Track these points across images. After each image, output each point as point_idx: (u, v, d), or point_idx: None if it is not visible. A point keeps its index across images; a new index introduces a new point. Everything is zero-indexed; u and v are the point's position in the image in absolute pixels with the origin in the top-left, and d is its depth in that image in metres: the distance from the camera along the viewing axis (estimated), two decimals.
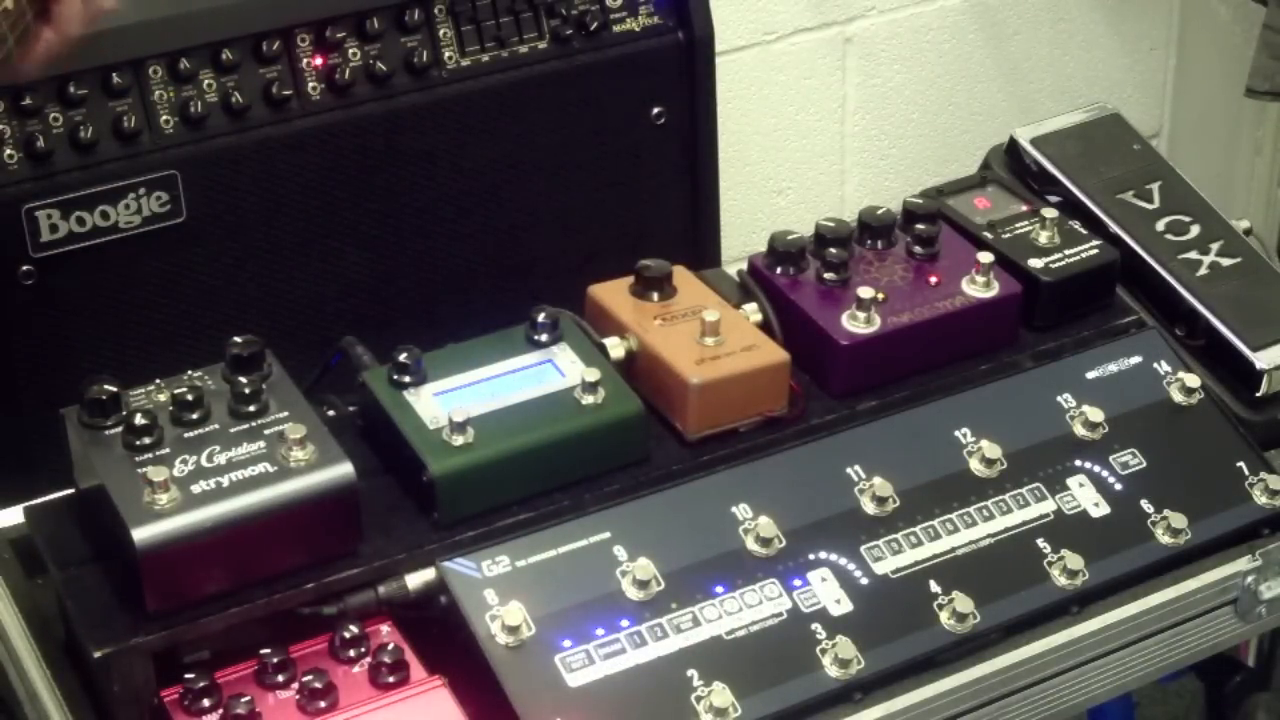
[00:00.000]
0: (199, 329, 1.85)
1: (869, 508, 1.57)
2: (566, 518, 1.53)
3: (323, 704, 1.40)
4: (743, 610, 1.49)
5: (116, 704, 1.41)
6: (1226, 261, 1.83)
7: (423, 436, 1.52)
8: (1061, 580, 1.56)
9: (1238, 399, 1.76)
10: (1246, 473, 1.67)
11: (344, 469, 1.45)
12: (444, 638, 1.46)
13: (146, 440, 1.45)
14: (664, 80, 2.04)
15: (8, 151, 1.74)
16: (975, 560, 1.56)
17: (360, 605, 1.47)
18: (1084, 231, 1.81)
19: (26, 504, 1.56)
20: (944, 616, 1.52)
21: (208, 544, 1.41)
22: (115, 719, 1.42)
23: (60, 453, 1.52)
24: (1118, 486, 1.63)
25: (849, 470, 1.60)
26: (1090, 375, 1.71)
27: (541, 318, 1.62)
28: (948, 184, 1.89)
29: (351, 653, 1.44)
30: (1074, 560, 1.56)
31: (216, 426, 1.47)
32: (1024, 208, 1.84)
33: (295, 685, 1.41)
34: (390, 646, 1.43)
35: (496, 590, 1.46)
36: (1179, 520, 1.61)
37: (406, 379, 1.57)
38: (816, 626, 1.49)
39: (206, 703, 1.40)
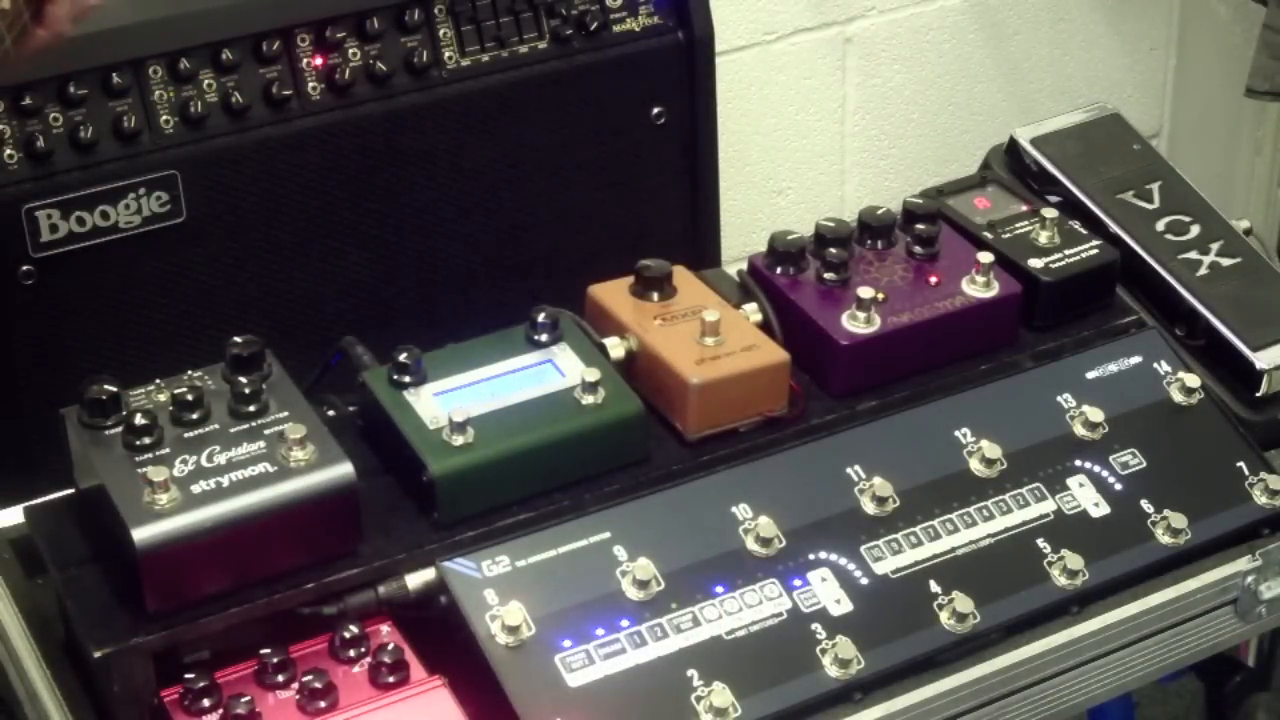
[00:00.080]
0: (199, 329, 1.84)
1: (869, 508, 1.57)
2: (566, 518, 1.53)
3: (323, 704, 1.39)
4: (743, 610, 1.49)
5: (116, 704, 1.41)
6: (1226, 261, 1.83)
7: (423, 436, 1.52)
8: (1061, 580, 1.56)
9: (1238, 399, 1.76)
10: (1246, 473, 1.67)
11: (344, 469, 1.45)
12: (444, 638, 1.46)
13: (146, 440, 1.45)
14: (664, 80, 2.04)
15: (8, 151, 1.74)
16: (975, 560, 1.56)
17: (360, 605, 1.47)
18: (1084, 231, 1.81)
19: (26, 504, 1.56)
20: (944, 616, 1.52)
21: (208, 544, 1.41)
22: (115, 719, 1.42)
23: (60, 453, 1.52)
24: (1118, 486, 1.63)
25: (849, 470, 1.60)
26: (1090, 375, 1.71)
27: (541, 318, 1.62)
28: (948, 184, 1.89)
29: (351, 653, 1.44)
30: (1074, 560, 1.56)
31: (216, 426, 1.47)
32: (1024, 208, 1.84)
33: (295, 685, 1.41)
34: (390, 646, 1.43)
35: (496, 590, 1.46)
36: (1179, 520, 1.61)
37: (406, 379, 1.57)
38: (816, 626, 1.49)
39: (206, 703, 1.40)
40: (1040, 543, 1.58)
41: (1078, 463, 1.64)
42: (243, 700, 1.38)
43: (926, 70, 2.69)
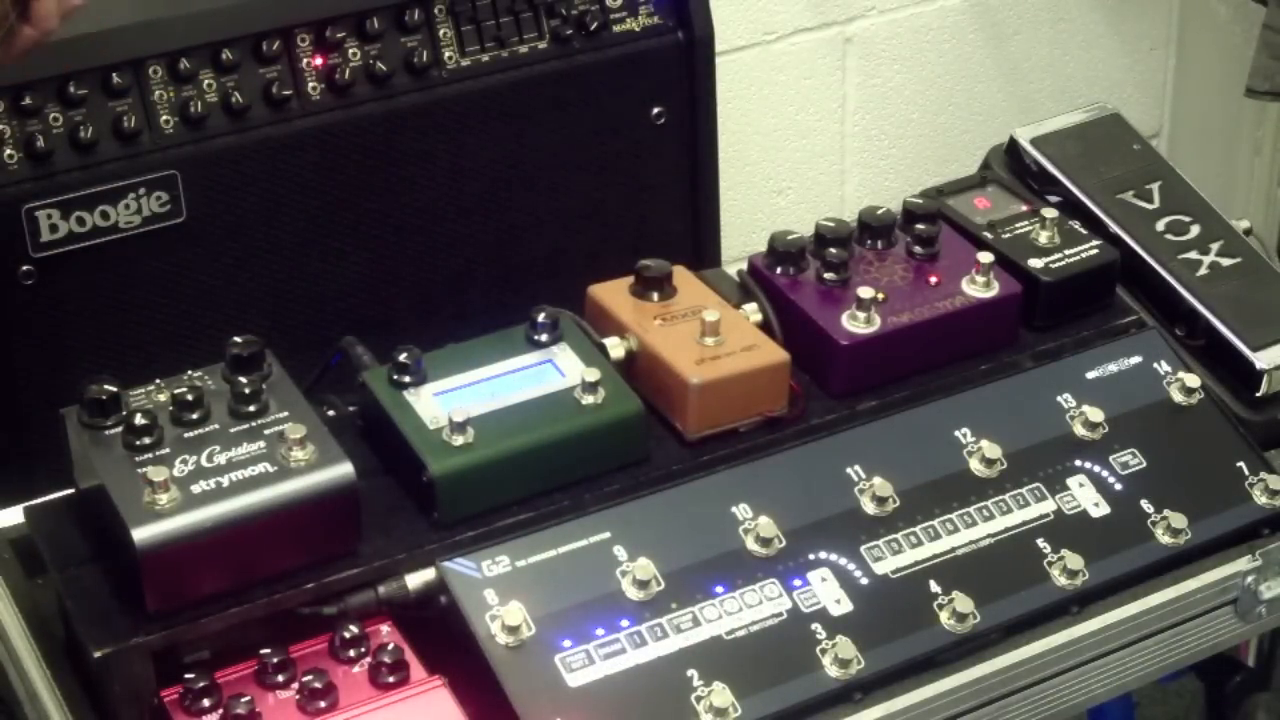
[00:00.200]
0: (199, 329, 1.85)
1: (869, 508, 1.57)
2: (566, 518, 1.53)
3: (323, 704, 1.39)
4: (743, 610, 1.49)
5: (116, 704, 1.41)
6: (1226, 261, 1.83)
7: (423, 436, 1.52)
8: (1061, 580, 1.56)
9: (1238, 399, 1.76)
10: (1246, 473, 1.67)
11: (344, 469, 1.45)
12: (444, 638, 1.46)
13: (146, 440, 1.45)
14: (664, 80, 2.04)
15: (8, 151, 1.74)
16: (975, 560, 1.56)
17: (360, 605, 1.47)
18: (1084, 231, 1.81)
19: (26, 504, 1.56)
20: (944, 616, 1.52)
21: (208, 544, 1.41)
22: (115, 719, 1.42)
23: (60, 453, 1.52)
24: (1118, 486, 1.63)
25: (849, 470, 1.60)
26: (1090, 375, 1.71)
27: (541, 318, 1.62)
28: (948, 184, 1.88)
29: (351, 653, 1.44)
30: (1074, 560, 1.56)
31: (216, 426, 1.47)
32: (1024, 208, 1.84)
33: (295, 685, 1.41)
34: (390, 646, 1.43)
35: (496, 590, 1.46)
36: (1179, 520, 1.61)
37: (406, 379, 1.57)
38: (816, 626, 1.49)
39: (206, 703, 1.40)
40: (1040, 543, 1.58)
41: (1078, 463, 1.64)
42: (243, 700, 1.38)
43: (926, 70, 2.69)
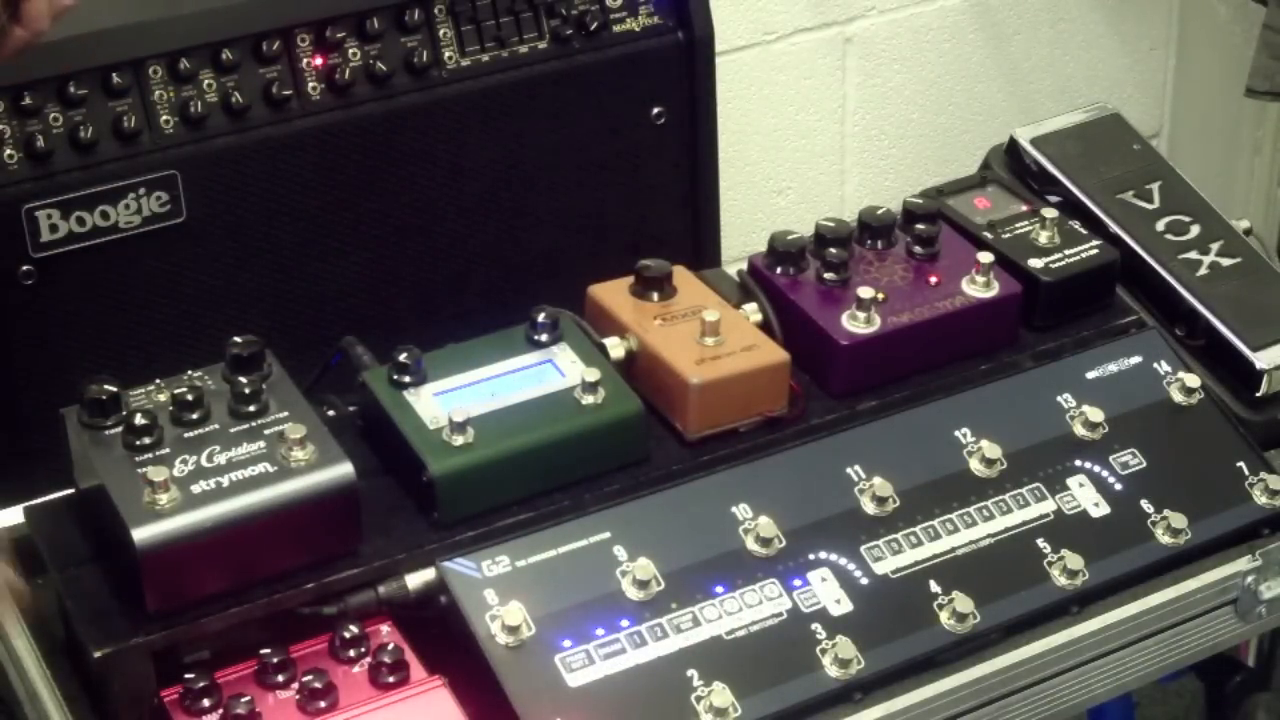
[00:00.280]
0: (199, 329, 1.84)
1: (869, 508, 1.57)
2: (566, 518, 1.53)
3: (323, 704, 1.39)
4: (743, 610, 1.49)
5: (116, 704, 1.41)
6: (1226, 261, 1.83)
7: (423, 436, 1.52)
8: (1061, 580, 1.56)
9: (1238, 399, 1.76)
10: (1246, 473, 1.67)
11: (344, 469, 1.45)
12: (444, 638, 1.46)
13: (146, 440, 1.45)
14: (664, 80, 2.04)
15: (8, 151, 1.74)
16: (975, 560, 1.56)
17: (360, 605, 1.47)
18: (1084, 231, 1.81)
19: (26, 504, 1.56)
20: (944, 616, 1.52)
21: (208, 544, 1.41)
22: (116, 719, 1.42)
23: (60, 453, 1.52)
24: (1118, 486, 1.63)
25: (849, 470, 1.60)
26: (1090, 375, 1.72)
27: (541, 318, 1.62)
28: (948, 184, 1.89)
29: (351, 653, 1.44)
30: (1074, 560, 1.56)
31: (216, 426, 1.47)
32: (1024, 208, 1.84)
33: (295, 685, 1.41)
34: (390, 646, 1.43)
35: (496, 590, 1.46)
36: (1179, 520, 1.61)
37: (406, 379, 1.57)
38: (816, 626, 1.49)
39: (206, 703, 1.40)
40: (1040, 543, 1.58)
41: (1078, 463, 1.64)
42: (243, 700, 1.38)
43: (926, 70, 2.69)
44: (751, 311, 1.70)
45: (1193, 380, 1.72)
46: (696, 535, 1.53)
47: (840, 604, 1.51)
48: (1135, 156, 1.93)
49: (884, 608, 1.51)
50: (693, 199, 2.11)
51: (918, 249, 1.74)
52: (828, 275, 1.70)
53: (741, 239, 2.48)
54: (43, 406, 1.60)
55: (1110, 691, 1.60)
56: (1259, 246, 1.89)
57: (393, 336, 1.64)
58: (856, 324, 1.66)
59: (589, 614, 1.46)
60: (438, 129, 1.93)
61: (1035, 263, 1.76)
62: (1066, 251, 1.78)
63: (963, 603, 1.52)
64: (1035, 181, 1.91)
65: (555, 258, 2.03)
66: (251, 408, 1.48)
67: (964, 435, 1.64)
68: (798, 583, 1.52)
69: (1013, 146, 1.93)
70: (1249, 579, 1.62)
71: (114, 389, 1.48)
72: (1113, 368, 1.73)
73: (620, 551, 1.51)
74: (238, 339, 1.52)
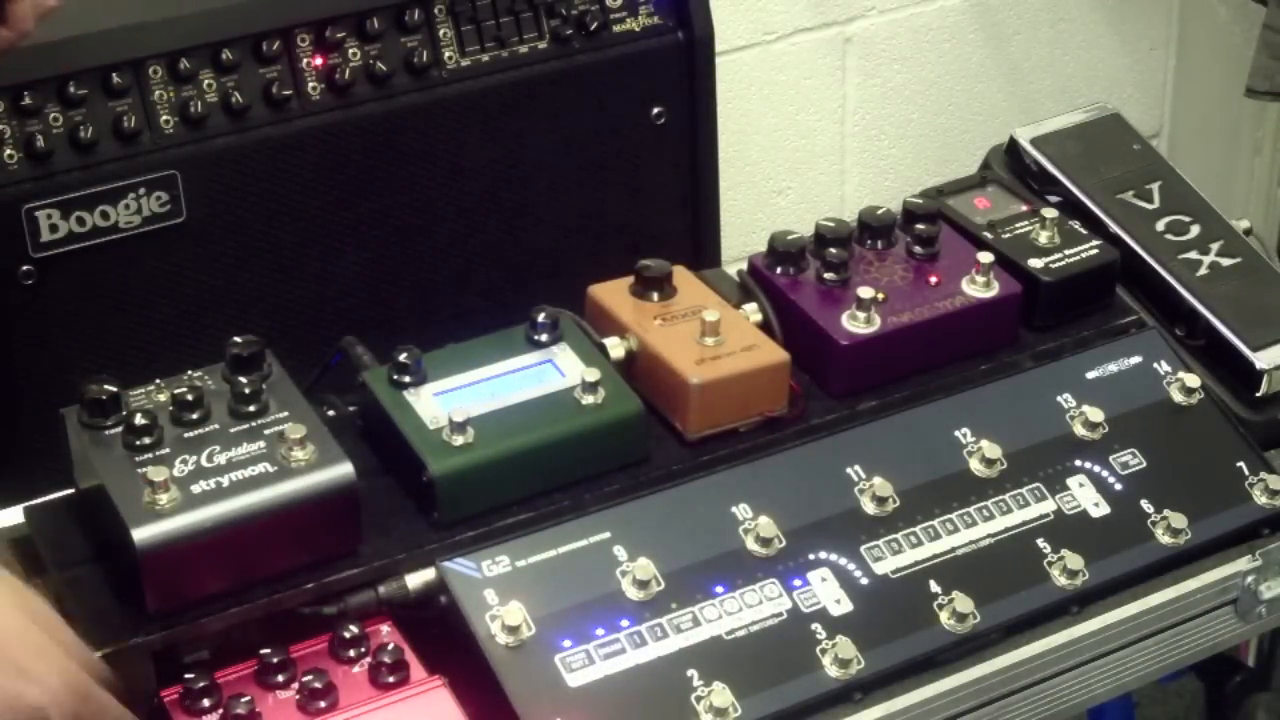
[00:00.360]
0: (199, 329, 1.85)
1: (869, 508, 1.57)
2: (566, 518, 1.53)
3: (323, 704, 1.39)
4: (743, 610, 1.49)
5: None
6: (1227, 261, 1.83)
7: (423, 436, 1.52)
8: (1061, 580, 1.56)
9: (1238, 399, 1.76)
10: (1246, 473, 1.67)
11: (344, 469, 1.45)
12: (444, 638, 1.46)
13: (146, 440, 1.45)
14: (664, 80, 2.04)
15: (8, 151, 1.74)
16: (975, 560, 1.56)
17: (360, 605, 1.47)
18: (1084, 231, 1.81)
19: (26, 504, 1.56)
20: (944, 616, 1.52)
21: (208, 544, 1.40)
22: None
23: (60, 453, 1.52)
24: (1118, 486, 1.63)
25: (849, 470, 1.60)
26: (1090, 375, 1.71)
27: (541, 318, 1.62)
28: (948, 184, 1.88)
29: (351, 653, 1.44)
30: (1074, 560, 1.56)
31: (216, 426, 1.47)
32: (1024, 208, 1.84)
33: (295, 685, 1.41)
34: (390, 646, 1.43)
35: (496, 590, 1.46)
36: (1179, 520, 1.61)
37: (406, 379, 1.57)
38: (816, 626, 1.49)
39: (206, 703, 1.39)
40: (1040, 543, 1.58)
41: (1078, 463, 1.64)
42: (243, 700, 1.38)
43: (926, 70, 2.69)
44: (751, 311, 1.70)
45: (1193, 380, 1.72)
46: (696, 535, 1.53)
47: (840, 604, 1.51)
48: (1135, 156, 1.93)
49: (884, 608, 1.51)
50: (693, 199, 2.11)
51: (918, 249, 1.74)
52: (828, 275, 1.70)
53: (741, 239, 2.48)
54: (42, 406, 1.60)
55: (1110, 691, 1.60)
56: (1259, 246, 1.88)
57: (393, 336, 1.64)
58: (856, 324, 1.66)
59: (589, 614, 1.46)
60: (438, 129, 1.93)
61: (1035, 263, 1.76)
62: (1066, 251, 1.77)
63: (963, 603, 1.52)
64: (1035, 181, 1.90)
65: (555, 258, 2.03)
66: (252, 408, 1.48)
67: (964, 435, 1.64)
68: (798, 583, 1.52)
69: (1013, 146, 1.93)
70: (1249, 579, 1.62)
71: (114, 389, 1.48)
72: (1113, 368, 1.73)
73: (620, 551, 1.50)
74: (238, 339, 1.52)
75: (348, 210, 1.91)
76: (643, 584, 1.48)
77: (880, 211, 1.77)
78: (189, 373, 1.52)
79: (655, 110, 2.04)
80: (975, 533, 1.58)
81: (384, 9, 1.89)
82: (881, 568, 1.54)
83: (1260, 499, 1.65)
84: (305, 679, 1.40)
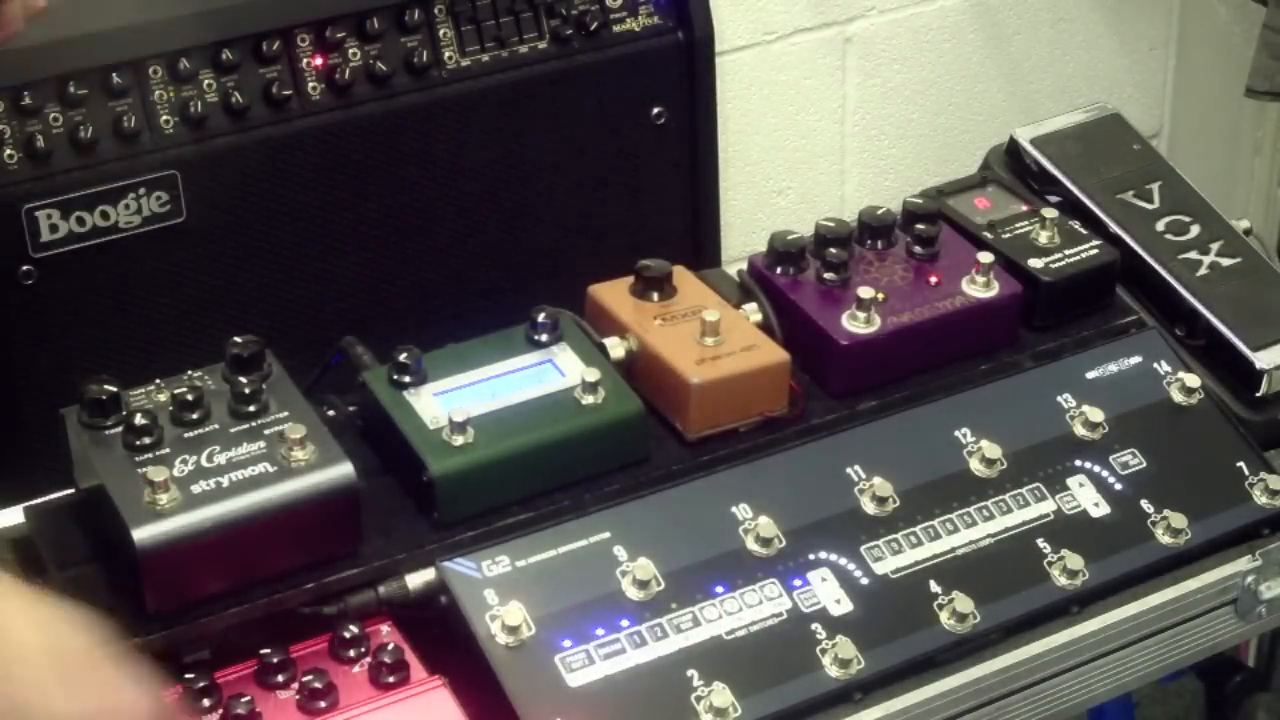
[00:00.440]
0: (199, 329, 1.85)
1: (869, 508, 1.57)
2: (566, 518, 1.53)
3: (323, 704, 1.39)
4: (743, 610, 1.49)
5: None
6: (1227, 261, 1.83)
7: (423, 436, 1.52)
8: (1062, 580, 1.56)
9: (1238, 399, 1.76)
10: (1247, 473, 1.67)
11: (344, 469, 1.45)
12: (444, 638, 1.46)
13: (146, 440, 1.45)
14: (664, 80, 2.04)
15: (8, 151, 1.74)
16: (975, 560, 1.56)
17: (360, 605, 1.47)
18: (1084, 231, 1.81)
19: (27, 504, 1.56)
20: (944, 616, 1.52)
21: (208, 544, 1.41)
22: None
23: (60, 453, 1.52)
24: (1118, 486, 1.63)
25: (849, 470, 1.60)
26: (1090, 375, 1.71)
27: (541, 318, 1.62)
28: (948, 184, 1.88)
29: (351, 653, 1.44)
30: (1074, 560, 1.56)
31: (216, 427, 1.47)
32: (1024, 208, 1.84)
33: (295, 685, 1.41)
34: (390, 646, 1.43)
35: (496, 590, 1.46)
36: (1179, 520, 1.61)
37: (407, 379, 1.57)
38: (817, 626, 1.49)
39: (206, 703, 1.39)
40: (1040, 543, 1.58)
41: (1078, 463, 1.64)
42: (243, 700, 1.38)
43: (926, 70, 2.69)
44: (751, 311, 1.70)
45: (1193, 380, 1.72)
46: (696, 535, 1.53)
47: (840, 604, 1.51)
48: (1135, 157, 1.93)
49: (884, 608, 1.51)
50: (693, 199, 2.11)
51: (918, 249, 1.74)
52: (828, 275, 1.70)
53: (741, 239, 2.48)
54: (43, 406, 1.60)
55: (1110, 692, 1.60)
56: (1259, 247, 1.89)
57: (393, 336, 1.64)
58: (856, 324, 1.66)
59: (589, 614, 1.46)
60: (438, 129, 1.93)
61: (1035, 263, 1.76)
62: (1067, 251, 1.77)
63: (963, 603, 1.52)
64: (1035, 181, 1.90)
65: (555, 258, 2.03)
66: (252, 408, 1.48)
67: (964, 435, 1.64)
68: (798, 583, 1.52)
69: (1013, 146, 1.93)
70: (1249, 579, 1.62)
71: (114, 389, 1.48)
72: (1113, 368, 1.73)
73: (620, 551, 1.50)
74: (238, 339, 1.52)
75: (348, 210, 1.91)
76: (643, 584, 1.48)
77: (880, 211, 1.77)
78: (189, 373, 1.52)
79: (655, 110, 2.04)
80: (975, 533, 1.58)
81: (384, 9, 1.89)
82: (881, 568, 1.54)
83: (1260, 499, 1.65)
84: (305, 679, 1.40)
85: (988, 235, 1.79)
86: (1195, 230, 1.86)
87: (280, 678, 1.42)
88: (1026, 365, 1.73)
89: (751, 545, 1.53)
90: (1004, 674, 1.52)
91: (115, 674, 1.24)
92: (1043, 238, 1.78)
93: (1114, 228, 1.85)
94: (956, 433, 1.64)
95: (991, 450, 1.62)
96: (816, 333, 1.66)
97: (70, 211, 1.76)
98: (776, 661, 1.47)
